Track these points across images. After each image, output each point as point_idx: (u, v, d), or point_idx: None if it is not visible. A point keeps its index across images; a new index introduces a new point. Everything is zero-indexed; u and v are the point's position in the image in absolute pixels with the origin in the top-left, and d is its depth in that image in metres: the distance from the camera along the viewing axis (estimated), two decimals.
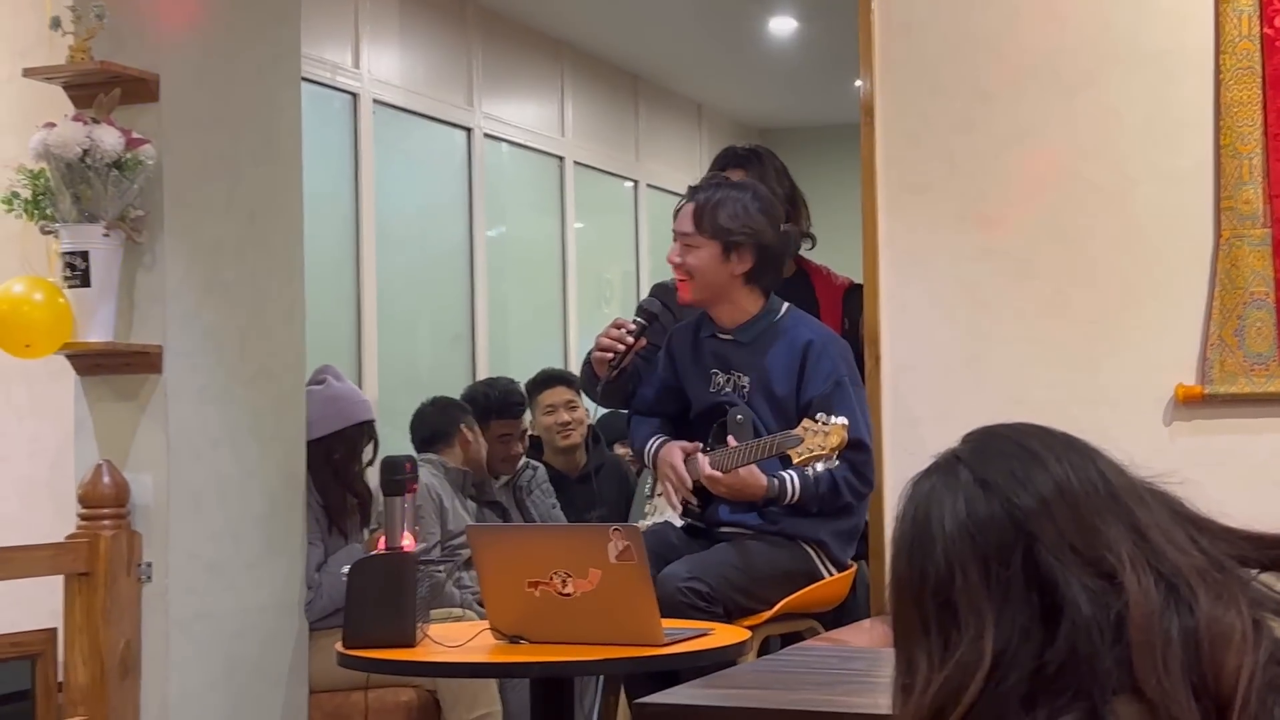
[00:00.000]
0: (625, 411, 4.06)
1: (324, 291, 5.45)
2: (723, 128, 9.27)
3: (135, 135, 3.62)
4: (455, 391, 5.35)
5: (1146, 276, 3.75)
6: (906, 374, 3.92)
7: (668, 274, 3.85)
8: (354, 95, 6.09)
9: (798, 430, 3.40)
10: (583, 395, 5.13)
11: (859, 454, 3.58)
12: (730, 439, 3.59)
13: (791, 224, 3.95)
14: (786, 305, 3.75)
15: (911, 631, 1.20)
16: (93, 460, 3.68)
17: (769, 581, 3.58)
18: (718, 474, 3.55)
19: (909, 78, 3.95)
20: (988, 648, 1.14)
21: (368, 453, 4.29)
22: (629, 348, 3.86)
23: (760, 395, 3.65)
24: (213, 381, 3.82)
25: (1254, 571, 1.22)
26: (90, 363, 3.71)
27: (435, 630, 3.22)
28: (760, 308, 3.71)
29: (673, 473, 3.65)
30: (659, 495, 3.82)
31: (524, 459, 5.24)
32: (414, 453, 4.92)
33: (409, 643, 3.11)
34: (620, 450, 5.71)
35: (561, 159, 7.71)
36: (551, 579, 3.03)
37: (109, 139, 3.55)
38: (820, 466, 3.38)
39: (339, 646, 3.19)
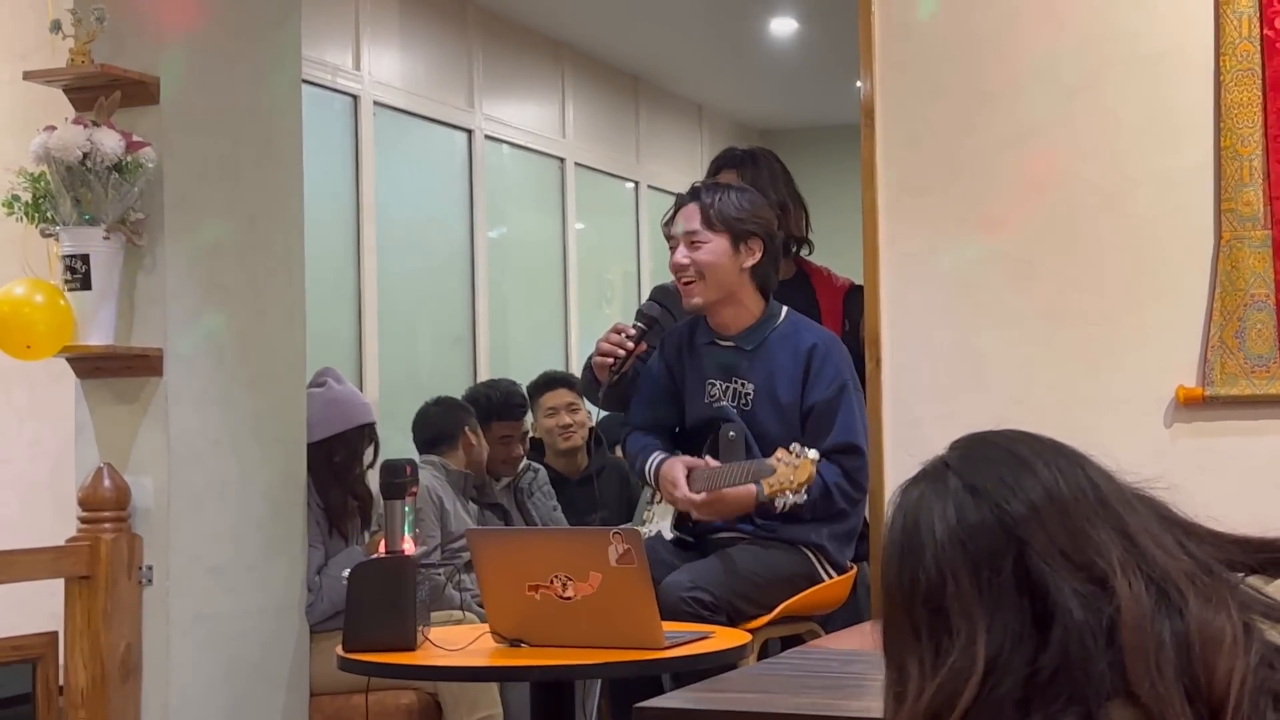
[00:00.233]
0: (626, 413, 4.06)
1: (325, 294, 5.45)
2: (723, 129, 9.27)
3: (135, 138, 3.62)
4: (456, 393, 5.34)
5: (1147, 278, 3.74)
6: (907, 375, 3.92)
7: (668, 275, 3.85)
8: (354, 97, 6.09)
9: (771, 460, 3.40)
10: (584, 398, 5.13)
11: (853, 459, 3.58)
12: (707, 458, 3.60)
13: (779, 228, 3.96)
14: (785, 309, 3.75)
15: (903, 639, 1.20)
16: (93, 463, 3.68)
17: (771, 587, 3.57)
18: (697, 498, 3.56)
19: (909, 79, 3.95)
20: (980, 653, 1.14)
21: (368, 455, 4.29)
22: (629, 353, 3.86)
23: (766, 402, 3.64)
24: (213, 384, 3.82)
25: (1241, 575, 1.22)
26: (91, 366, 3.71)
27: (436, 633, 3.22)
28: (762, 311, 3.71)
29: (677, 490, 3.63)
30: (658, 502, 3.81)
31: (525, 461, 5.24)
32: (416, 453, 4.93)
33: (409, 646, 3.11)
34: (621, 453, 5.70)
35: (562, 160, 7.71)
36: (552, 582, 3.02)
37: (109, 142, 3.55)
38: (790, 498, 3.38)
39: (339, 650, 3.19)
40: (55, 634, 3.57)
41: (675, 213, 3.72)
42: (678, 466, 3.64)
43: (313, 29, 5.09)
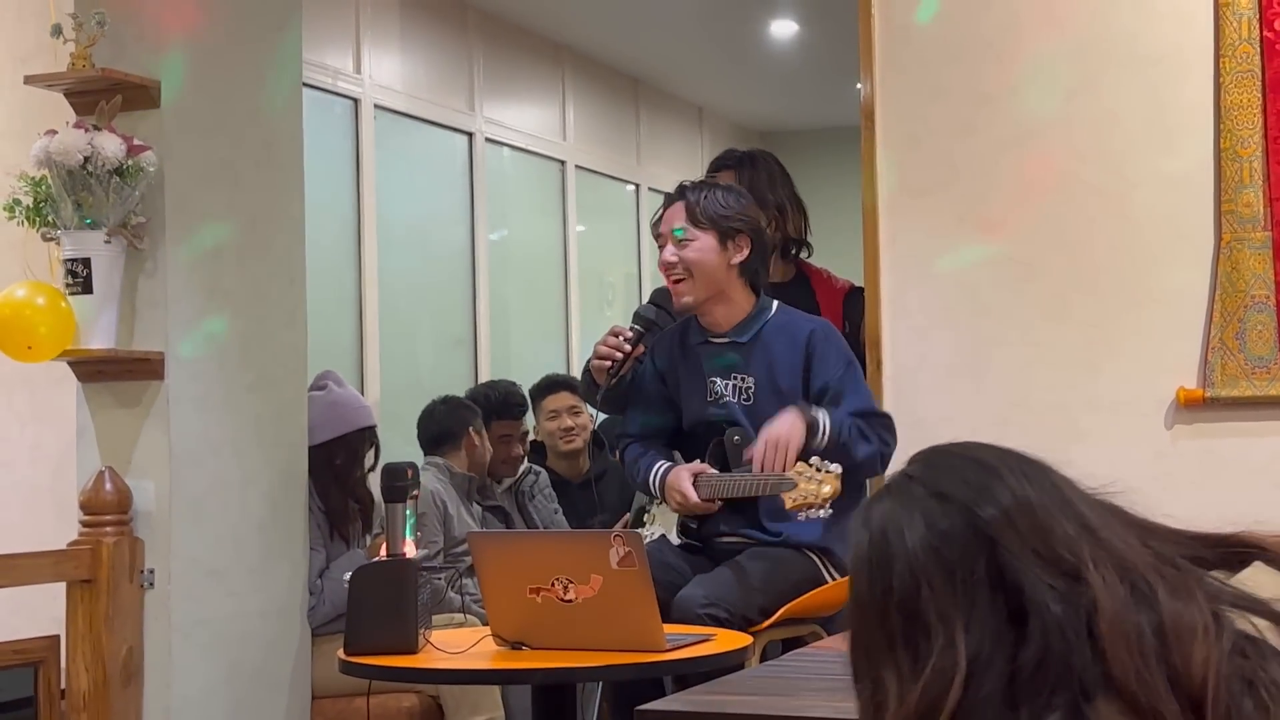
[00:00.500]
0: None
1: (325, 297, 5.45)
2: (723, 131, 9.27)
3: (136, 142, 3.62)
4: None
5: (1147, 280, 3.75)
6: (907, 377, 3.92)
7: None
8: (355, 100, 6.09)
9: (791, 474, 3.39)
10: (584, 401, 5.14)
11: (881, 419, 3.60)
12: (708, 466, 3.61)
13: (773, 229, 3.97)
14: (776, 303, 3.75)
15: (876, 650, 1.20)
16: (95, 467, 3.68)
17: (782, 594, 3.57)
18: (713, 508, 3.58)
19: (909, 81, 3.95)
20: (962, 653, 1.15)
21: (369, 458, 4.29)
22: (627, 355, 3.86)
23: (768, 394, 3.64)
24: (214, 387, 3.82)
25: (1205, 571, 1.24)
26: (92, 369, 3.71)
27: (437, 636, 3.22)
28: (753, 305, 3.71)
29: (684, 500, 3.63)
30: (658, 505, 3.81)
31: (527, 464, 5.24)
32: (419, 452, 4.93)
33: (411, 649, 3.11)
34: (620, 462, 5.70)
35: (563, 163, 7.71)
36: (553, 585, 3.02)
37: (110, 146, 3.55)
38: (813, 513, 3.37)
39: (341, 653, 3.19)
40: (57, 638, 3.57)
41: (663, 212, 3.74)
42: (683, 476, 3.64)
43: (313, 32, 5.09)
